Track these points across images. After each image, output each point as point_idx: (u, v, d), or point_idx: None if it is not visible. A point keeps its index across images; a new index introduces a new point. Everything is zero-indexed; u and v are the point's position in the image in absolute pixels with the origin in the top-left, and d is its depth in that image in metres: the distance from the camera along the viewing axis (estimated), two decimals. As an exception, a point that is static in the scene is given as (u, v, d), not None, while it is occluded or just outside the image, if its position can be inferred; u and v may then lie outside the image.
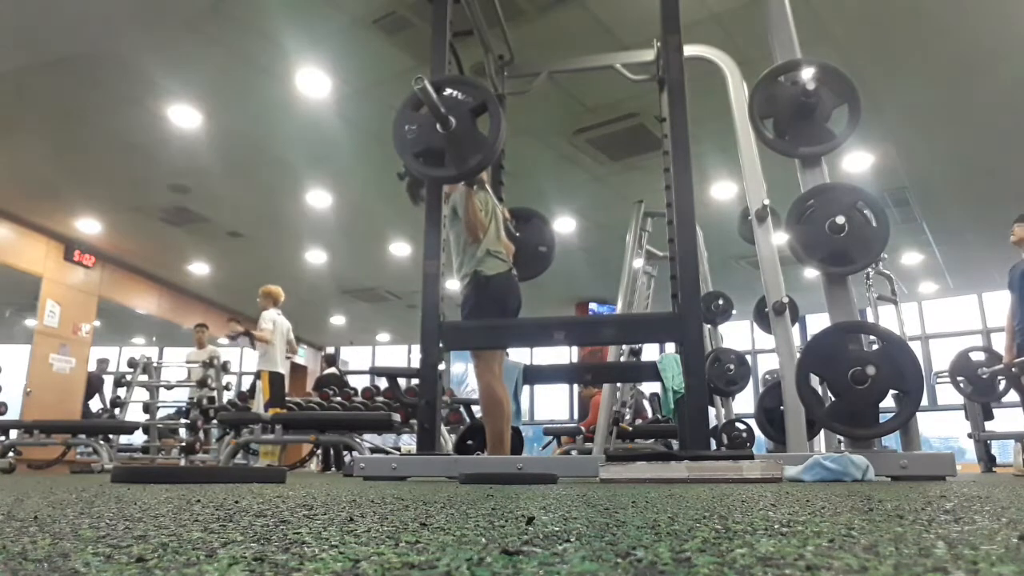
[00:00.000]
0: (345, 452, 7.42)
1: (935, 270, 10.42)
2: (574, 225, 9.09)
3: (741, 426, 6.06)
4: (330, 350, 14.52)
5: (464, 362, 15.11)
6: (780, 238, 3.69)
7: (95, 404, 10.07)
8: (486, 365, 3.52)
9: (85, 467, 6.98)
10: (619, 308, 5.82)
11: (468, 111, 3.06)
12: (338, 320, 14.25)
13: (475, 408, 6.69)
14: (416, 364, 3.42)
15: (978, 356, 6.32)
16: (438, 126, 3.05)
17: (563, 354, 11.22)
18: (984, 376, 6.14)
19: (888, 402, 3.08)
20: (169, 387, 8.42)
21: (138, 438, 8.55)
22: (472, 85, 3.23)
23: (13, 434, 6.56)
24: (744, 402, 7.79)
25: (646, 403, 8.27)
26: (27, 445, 6.59)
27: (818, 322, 6.94)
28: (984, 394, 6.24)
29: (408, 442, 9.40)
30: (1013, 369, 5.03)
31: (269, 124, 6.76)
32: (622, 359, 5.79)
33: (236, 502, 1.22)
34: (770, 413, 4.79)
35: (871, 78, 5.48)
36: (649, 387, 7.77)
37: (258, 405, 7.00)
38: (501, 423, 3.46)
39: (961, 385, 6.29)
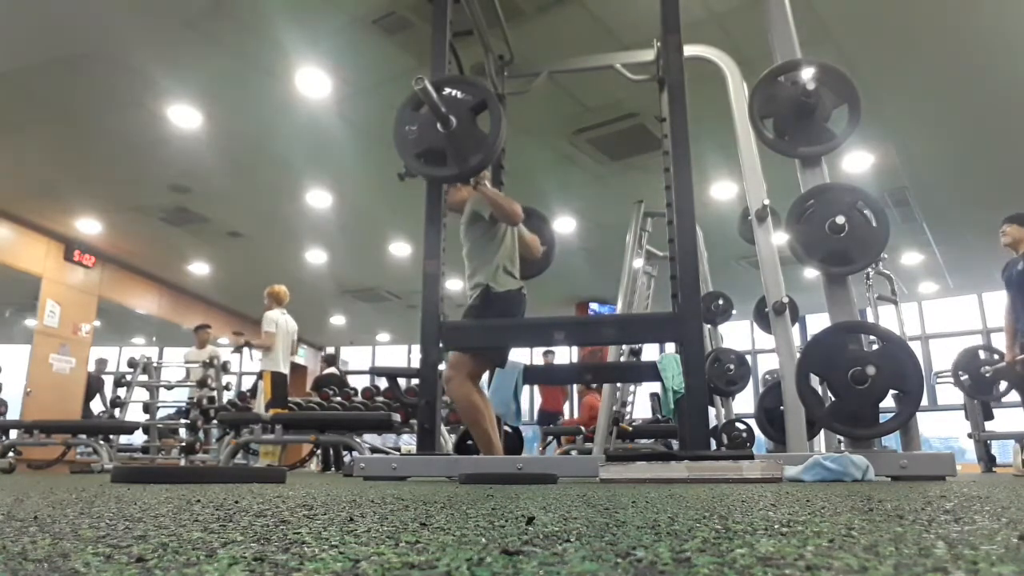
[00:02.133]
0: (345, 452, 7.43)
1: (935, 270, 10.42)
2: (574, 225, 9.09)
3: (741, 426, 6.06)
4: (330, 350, 14.51)
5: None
6: (780, 238, 3.69)
7: (96, 405, 10.07)
8: (457, 372, 3.48)
9: (85, 467, 6.98)
10: (619, 308, 5.82)
11: (468, 110, 3.06)
12: (338, 320, 14.25)
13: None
14: (416, 364, 3.42)
15: (984, 355, 6.33)
16: (439, 125, 3.04)
17: (563, 354, 11.21)
18: (987, 375, 6.14)
19: (888, 402, 3.08)
20: (169, 387, 8.41)
21: (138, 438, 8.54)
22: (472, 84, 3.23)
23: (13, 434, 6.56)
24: (744, 402, 7.80)
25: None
26: (27, 445, 6.59)
27: (818, 322, 6.95)
28: (983, 392, 6.25)
29: (408, 442, 9.40)
30: (1017, 368, 5.03)
31: (269, 124, 6.76)
32: (622, 359, 5.79)
33: (236, 502, 1.22)
34: (770, 413, 4.79)
35: (871, 78, 5.48)
36: (649, 387, 7.78)
37: (259, 405, 6.99)
38: (485, 425, 3.44)
39: (962, 381, 6.29)
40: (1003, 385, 6.08)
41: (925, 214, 8.40)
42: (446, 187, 3.63)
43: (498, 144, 3.10)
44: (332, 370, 9.15)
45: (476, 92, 3.12)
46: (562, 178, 7.75)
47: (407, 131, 3.10)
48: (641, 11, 4.91)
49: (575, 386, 9.12)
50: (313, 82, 6.02)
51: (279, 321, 7.12)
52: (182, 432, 7.85)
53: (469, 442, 4.51)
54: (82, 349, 10.11)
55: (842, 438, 3.24)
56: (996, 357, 6.12)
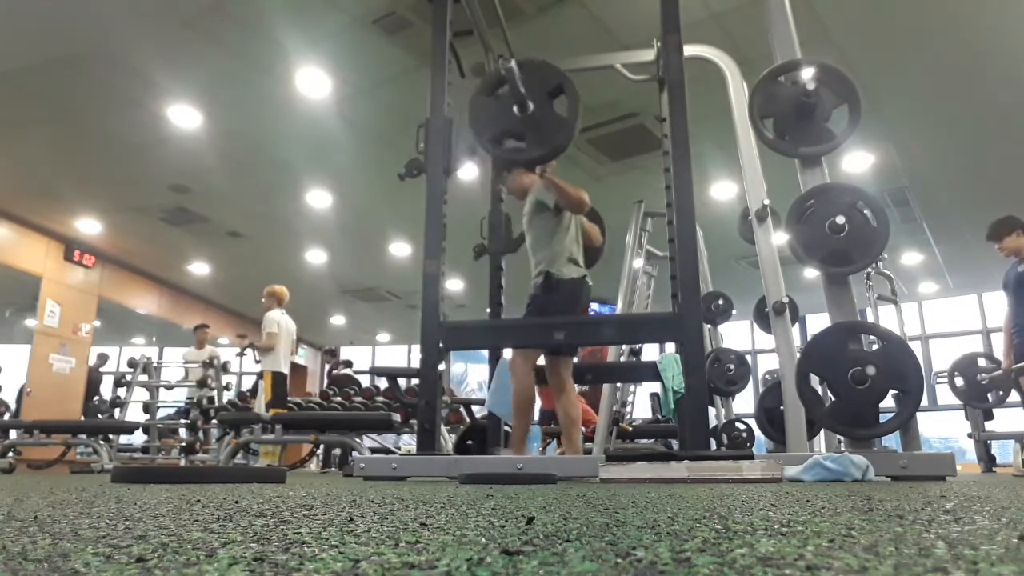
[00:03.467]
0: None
1: (935, 270, 10.41)
2: (574, 225, 9.07)
3: (741, 426, 6.06)
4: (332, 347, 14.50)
5: (464, 362, 15.09)
6: (780, 238, 3.69)
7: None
8: (525, 364, 3.52)
9: (85, 467, 6.98)
10: (619, 308, 5.82)
11: (545, 93, 3.07)
12: (338, 320, 14.25)
13: (475, 408, 6.69)
14: (416, 364, 3.42)
15: (985, 363, 6.27)
16: (515, 109, 3.04)
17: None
18: (983, 382, 6.12)
19: (888, 402, 3.08)
20: (169, 387, 8.41)
21: (138, 438, 8.55)
22: (548, 68, 3.24)
23: (13, 434, 6.56)
24: (744, 402, 7.80)
25: None
26: (27, 445, 6.59)
27: (818, 322, 6.94)
28: (978, 398, 6.22)
29: (408, 442, 9.40)
30: (1012, 375, 5.02)
31: (269, 124, 6.76)
32: (622, 359, 5.79)
33: (236, 502, 1.22)
34: (770, 413, 4.80)
35: (871, 78, 5.48)
36: (649, 387, 7.78)
37: (259, 405, 7.00)
38: (529, 422, 3.49)
39: (958, 387, 6.27)
40: (999, 393, 6.05)
41: (925, 214, 8.39)
42: (505, 172, 3.67)
43: (577, 125, 3.10)
44: (347, 371, 9.16)
45: (552, 76, 3.12)
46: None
47: (482, 115, 3.10)
48: (641, 11, 4.91)
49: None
50: (313, 82, 6.02)
51: (280, 321, 7.13)
52: (182, 432, 7.85)
53: (469, 442, 4.51)
54: (82, 349, 10.10)
55: (842, 438, 3.24)
56: (995, 366, 6.10)
